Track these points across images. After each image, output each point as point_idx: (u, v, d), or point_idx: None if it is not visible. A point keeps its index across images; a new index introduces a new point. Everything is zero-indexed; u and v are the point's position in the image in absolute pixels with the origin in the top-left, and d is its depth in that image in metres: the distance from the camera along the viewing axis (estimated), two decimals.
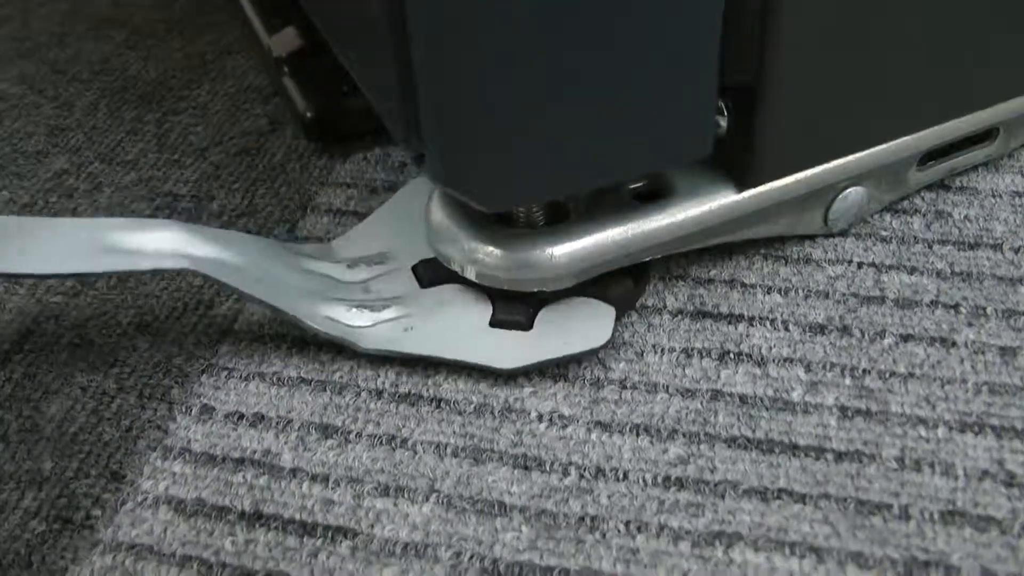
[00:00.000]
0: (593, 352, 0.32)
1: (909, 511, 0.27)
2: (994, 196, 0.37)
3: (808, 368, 0.31)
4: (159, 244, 0.31)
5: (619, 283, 0.33)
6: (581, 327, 0.32)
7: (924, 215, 0.36)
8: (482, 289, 0.32)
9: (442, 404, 0.31)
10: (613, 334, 0.32)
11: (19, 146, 0.44)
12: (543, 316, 0.32)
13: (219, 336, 0.34)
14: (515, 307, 0.32)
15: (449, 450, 0.30)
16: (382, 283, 0.34)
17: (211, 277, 0.31)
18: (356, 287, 0.34)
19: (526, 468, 0.29)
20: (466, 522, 0.28)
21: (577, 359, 0.32)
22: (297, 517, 0.28)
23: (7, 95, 0.47)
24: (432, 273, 0.34)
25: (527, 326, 0.32)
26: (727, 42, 0.28)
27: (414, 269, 0.34)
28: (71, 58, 0.50)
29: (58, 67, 0.49)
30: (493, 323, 0.32)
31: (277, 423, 0.31)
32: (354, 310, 0.33)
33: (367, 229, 0.37)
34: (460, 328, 0.32)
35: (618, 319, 0.33)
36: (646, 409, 0.30)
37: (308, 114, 0.41)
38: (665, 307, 0.33)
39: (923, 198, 0.37)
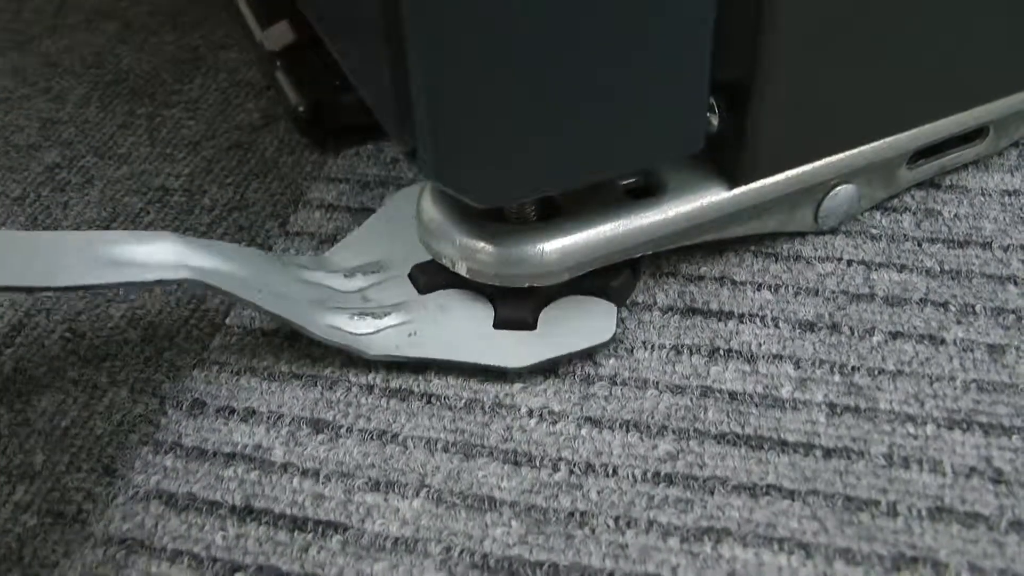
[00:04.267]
0: (602, 346, 0.32)
1: (897, 507, 0.27)
2: (983, 195, 0.37)
3: (797, 365, 0.31)
4: (161, 256, 0.31)
5: (618, 274, 0.33)
6: (585, 323, 0.32)
7: (914, 213, 0.36)
8: (481, 290, 0.33)
9: (432, 400, 0.31)
10: (617, 329, 0.32)
11: (11, 139, 0.44)
12: (546, 314, 0.32)
13: (210, 331, 0.34)
14: (519, 305, 0.32)
15: (439, 445, 0.30)
16: (380, 291, 0.34)
17: (213, 287, 0.31)
18: (355, 296, 0.34)
19: (516, 463, 0.29)
20: (456, 517, 0.28)
21: (586, 354, 0.32)
22: (288, 512, 0.28)
23: None
24: (429, 278, 0.34)
25: (532, 325, 0.32)
26: (719, 39, 0.28)
27: (410, 275, 0.34)
28: (63, 51, 0.50)
29: (50, 60, 0.49)
30: (497, 323, 0.32)
31: (268, 418, 0.31)
32: (356, 318, 0.33)
33: (360, 238, 0.37)
34: (465, 331, 0.32)
35: (618, 311, 0.33)
36: (636, 405, 0.30)
37: (301, 109, 0.41)
38: (655, 304, 0.34)
39: (913, 196, 0.37)
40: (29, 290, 0.30)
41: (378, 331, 0.32)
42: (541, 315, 0.32)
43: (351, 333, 0.32)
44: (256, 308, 0.31)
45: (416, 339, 0.32)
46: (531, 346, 0.32)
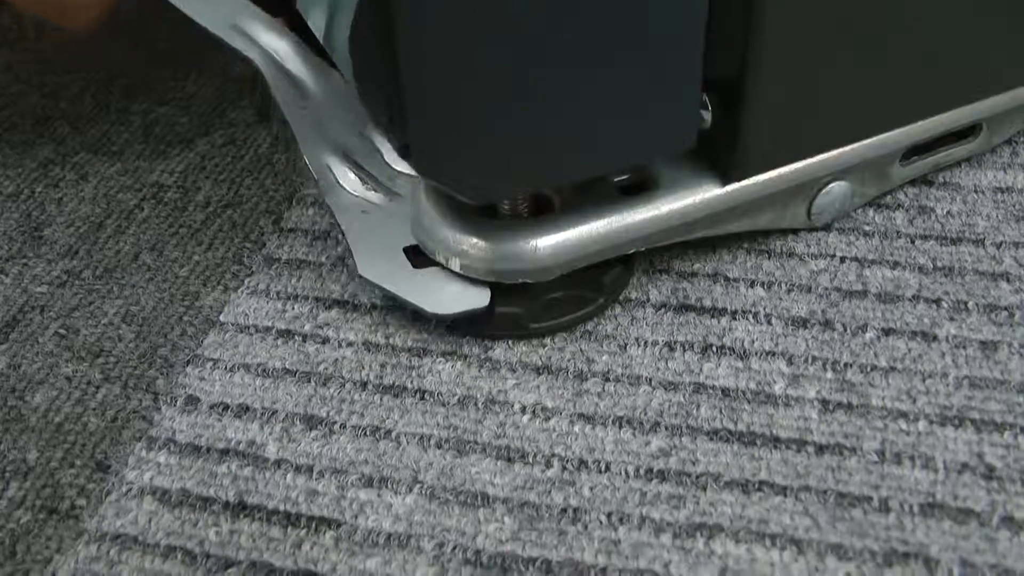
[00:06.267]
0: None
1: (889, 503, 0.27)
2: (976, 192, 0.37)
3: (790, 361, 0.31)
4: (261, 37, 0.36)
5: (610, 269, 0.33)
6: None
7: (907, 210, 0.36)
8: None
9: (426, 396, 0.31)
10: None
11: (4, 135, 0.44)
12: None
13: (204, 327, 0.34)
14: (515, 298, 0.32)
15: (432, 441, 0.30)
16: (411, 181, 0.35)
17: (268, 82, 0.36)
18: (389, 171, 0.35)
19: (509, 460, 0.29)
20: (449, 513, 0.28)
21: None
22: (281, 508, 0.28)
23: None
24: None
25: (527, 318, 0.32)
26: (711, 35, 0.28)
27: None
28: (57, 47, 0.50)
29: (44, 56, 0.49)
30: (494, 315, 0.32)
31: (262, 414, 0.31)
32: (356, 178, 0.33)
33: None
34: (388, 240, 0.33)
35: (608, 307, 0.33)
36: (629, 402, 0.30)
37: None
38: (648, 300, 0.34)
39: (906, 193, 0.37)
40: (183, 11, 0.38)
41: (355, 195, 0.33)
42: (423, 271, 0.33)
43: (335, 179, 0.34)
44: (283, 116, 0.35)
45: (360, 217, 0.33)
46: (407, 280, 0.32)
